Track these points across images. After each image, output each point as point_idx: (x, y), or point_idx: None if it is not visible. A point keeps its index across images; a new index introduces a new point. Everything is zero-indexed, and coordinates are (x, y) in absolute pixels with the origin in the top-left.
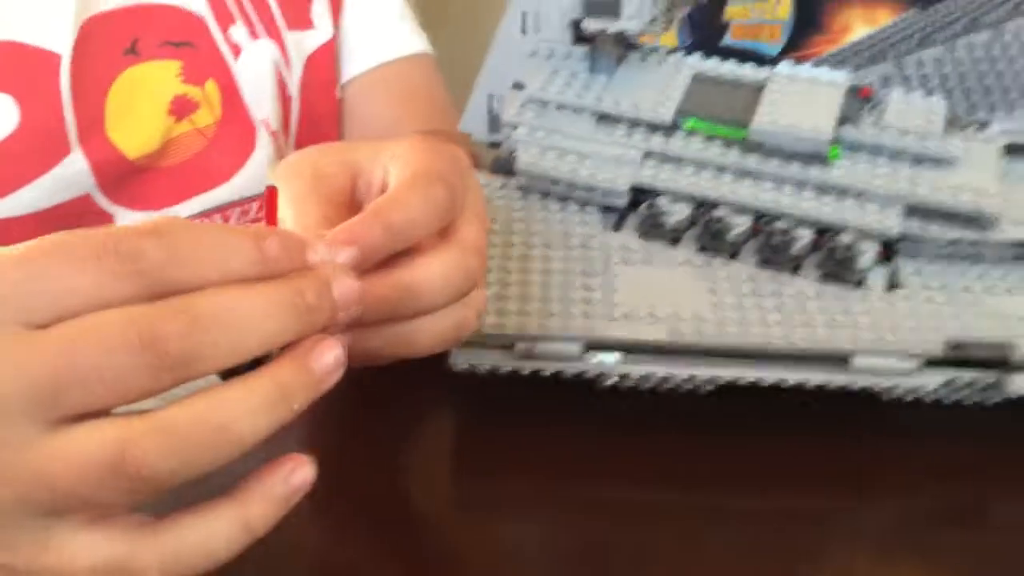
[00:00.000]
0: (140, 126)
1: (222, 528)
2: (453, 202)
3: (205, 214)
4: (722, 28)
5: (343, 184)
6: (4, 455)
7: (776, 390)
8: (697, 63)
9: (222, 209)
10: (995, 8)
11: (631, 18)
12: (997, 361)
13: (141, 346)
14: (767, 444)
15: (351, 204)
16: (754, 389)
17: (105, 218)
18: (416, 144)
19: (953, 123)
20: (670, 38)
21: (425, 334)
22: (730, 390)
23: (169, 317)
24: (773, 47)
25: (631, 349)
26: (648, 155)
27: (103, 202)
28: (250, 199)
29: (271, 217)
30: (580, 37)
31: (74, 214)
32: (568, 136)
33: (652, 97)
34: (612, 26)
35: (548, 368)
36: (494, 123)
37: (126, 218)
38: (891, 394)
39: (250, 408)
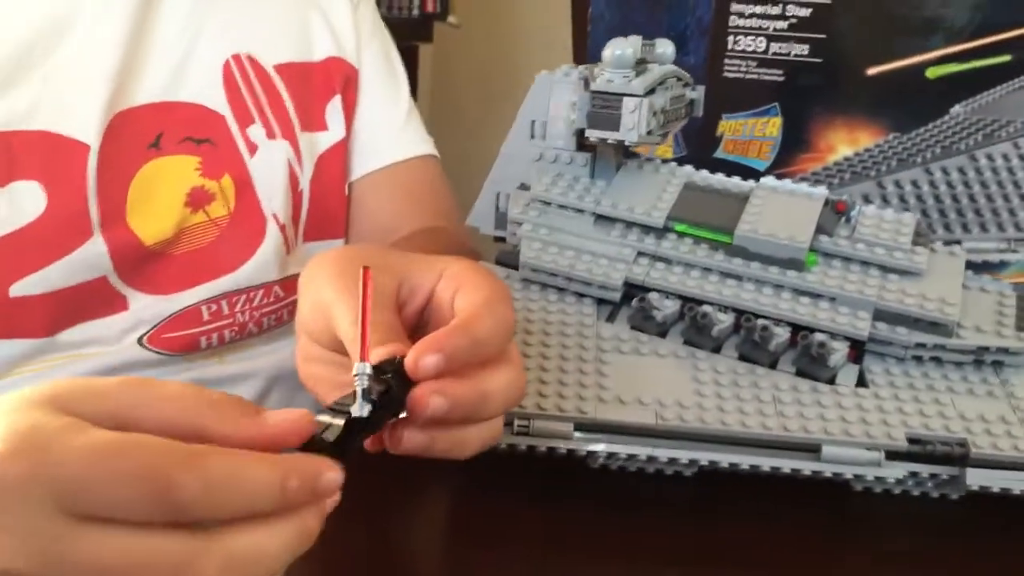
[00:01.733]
0: (158, 215)
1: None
2: (515, 323)
3: (213, 300)
4: (715, 142)
5: (390, 288)
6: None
7: (754, 477)
8: (689, 173)
9: (228, 295)
10: (969, 136)
11: (629, 130)
12: (957, 457)
13: None
14: (742, 525)
15: (394, 307)
16: (733, 475)
17: (119, 299)
18: (469, 266)
19: (920, 236)
20: (666, 149)
21: (475, 439)
22: (710, 475)
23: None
24: (762, 162)
25: (619, 431)
26: (641, 254)
27: (118, 284)
28: (256, 287)
29: (366, 297)
30: (582, 145)
31: (90, 293)
32: (568, 234)
33: (646, 202)
34: (611, 136)
35: (542, 445)
36: (500, 219)
37: (137, 300)
38: (859, 484)
39: None
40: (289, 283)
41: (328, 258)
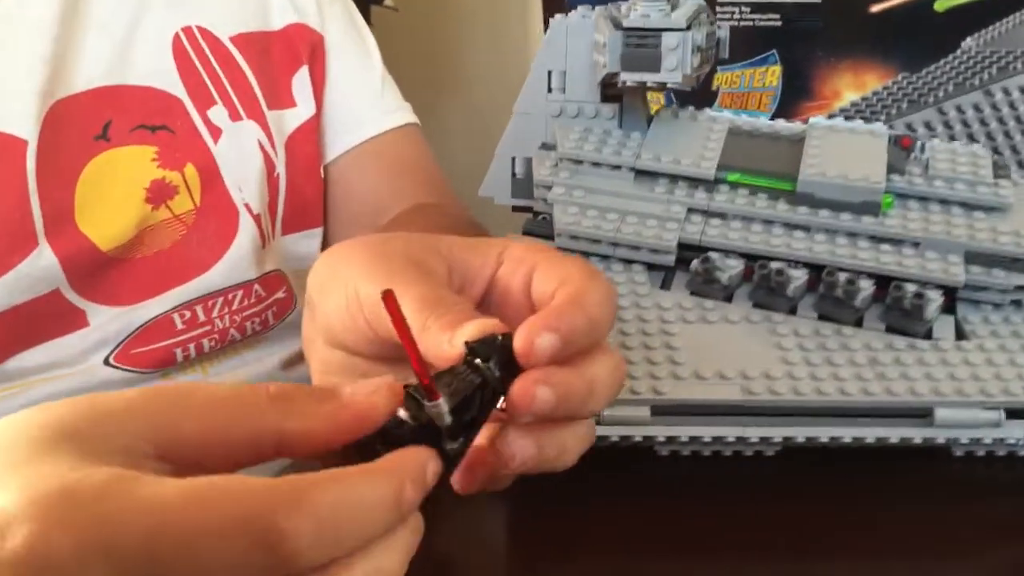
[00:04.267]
0: (113, 215)
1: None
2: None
3: (185, 306)
4: (711, 97)
5: (442, 272)
6: None
7: (832, 450)
8: (730, 118)
9: (203, 299)
10: (983, 70)
11: (671, 71)
12: None
13: None
14: (839, 504)
15: (451, 290)
16: (815, 449)
17: (77, 314)
18: (534, 245)
19: (1000, 168)
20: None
21: (577, 442)
22: (791, 451)
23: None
24: (763, 115)
25: (702, 411)
26: (692, 211)
27: (73, 298)
28: (234, 287)
29: (399, 322)
30: (607, 95)
31: (43, 311)
32: (606, 194)
33: (692, 152)
34: (652, 79)
35: (614, 434)
36: (519, 186)
37: (98, 314)
38: (960, 448)
39: None
40: (269, 280)
41: (350, 248)
